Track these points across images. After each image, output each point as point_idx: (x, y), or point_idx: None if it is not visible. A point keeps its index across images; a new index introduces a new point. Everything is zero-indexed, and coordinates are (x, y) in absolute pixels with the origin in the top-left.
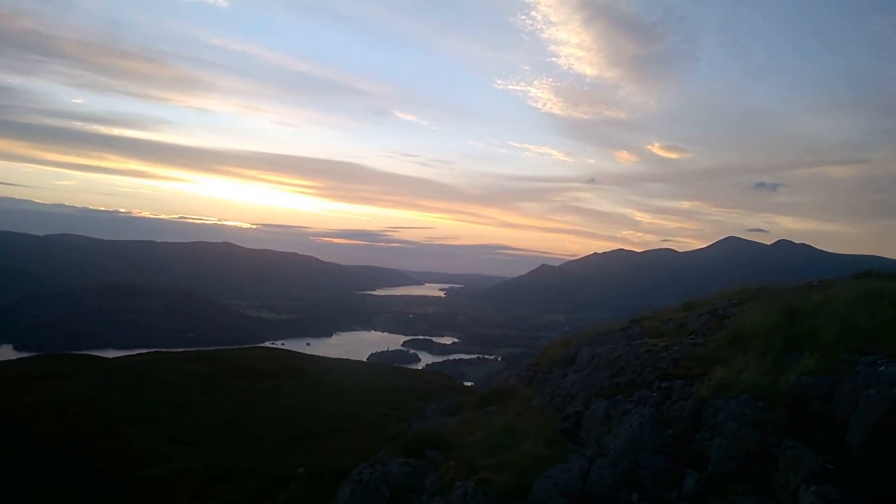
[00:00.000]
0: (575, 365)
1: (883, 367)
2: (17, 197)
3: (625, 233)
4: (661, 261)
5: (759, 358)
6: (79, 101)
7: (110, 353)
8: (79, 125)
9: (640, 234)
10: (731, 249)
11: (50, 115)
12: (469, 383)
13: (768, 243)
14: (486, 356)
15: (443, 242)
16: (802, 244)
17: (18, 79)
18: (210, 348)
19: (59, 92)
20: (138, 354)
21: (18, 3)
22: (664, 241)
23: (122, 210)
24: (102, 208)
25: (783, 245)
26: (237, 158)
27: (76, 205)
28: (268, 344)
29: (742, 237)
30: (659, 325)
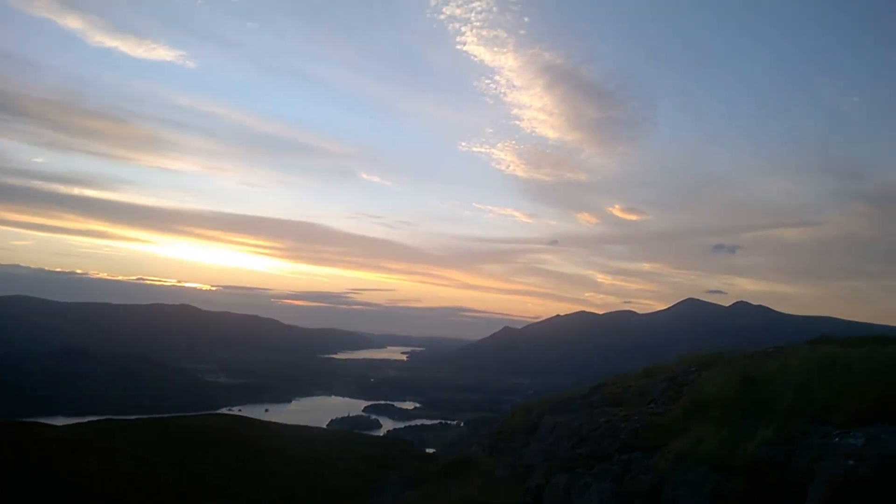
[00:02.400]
0: (537, 433)
1: (837, 439)
2: None
3: (586, 294)
4: (622, 323)
5: (718, 428)
6: (39, 159)
7: (59, 421)
8: (38, 184)
9: (602, 296)
10: (691, 311)
11: (8, 174)
12: (431, 450)
13: (726, 305)
14: (449, 421)
15: (405, 304)
16: (760, 305)
17: None
18: (164, 415)
19: (20, 150)
20: (89, 422)
21: None
22: (625, 302)
23: (79, 271)
24: (59, 269)
25: (741, 306)
26: (199, 218)
27: (31, 265)
28: (224, 410)
29: (701, 298)
30: (619, 392)
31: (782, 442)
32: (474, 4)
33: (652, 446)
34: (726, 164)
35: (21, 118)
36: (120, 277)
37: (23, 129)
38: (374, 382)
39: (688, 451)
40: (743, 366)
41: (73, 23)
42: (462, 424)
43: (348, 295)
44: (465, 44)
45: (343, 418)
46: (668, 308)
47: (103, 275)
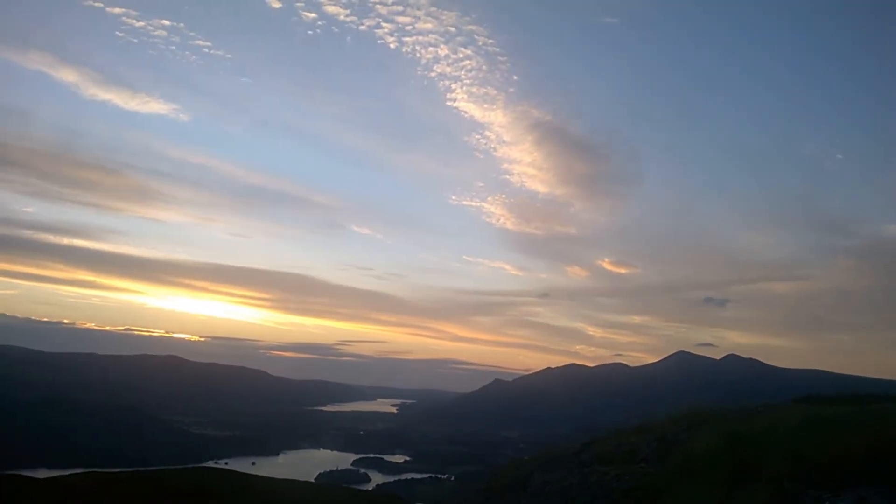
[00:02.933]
0: (527, 491)
1: (828, 503)
2: None
3: (577, 347)
4: (613, 375)
5: (708, 489)
6: (29, 209)
7: (43, 472)
8: (27, 233)
9: (593, 349)
10: (682, 364)
11: None
12: None
13: (717, 357)
14: (439, 475)
15: (395, 356)
16: (750, 358)
17: None
18: (149, 468)
19: (9, 200)
20: (72, 474)
21: None
22: (616, 355)
23: (67, 321)
24: (45, 319)
25: (732, 359)
26: (188, 269)
27: (17, 315)
28: (211, 463)
29: (692, 351)
30: (611, 450)
31: (769, 502)
32: (464, 63)
33: None
34: (714, 218)
35: (12, 168)
36: (108, 328)
37: (13, 179)
38: (364, 435)
39: None
40: (732, 425)
41: (67, 76)
42: (452, 479)
43: (338, 346)
44: (455, 100)
45: (331, 472)
46: (660, 361)
47: (91, 325)
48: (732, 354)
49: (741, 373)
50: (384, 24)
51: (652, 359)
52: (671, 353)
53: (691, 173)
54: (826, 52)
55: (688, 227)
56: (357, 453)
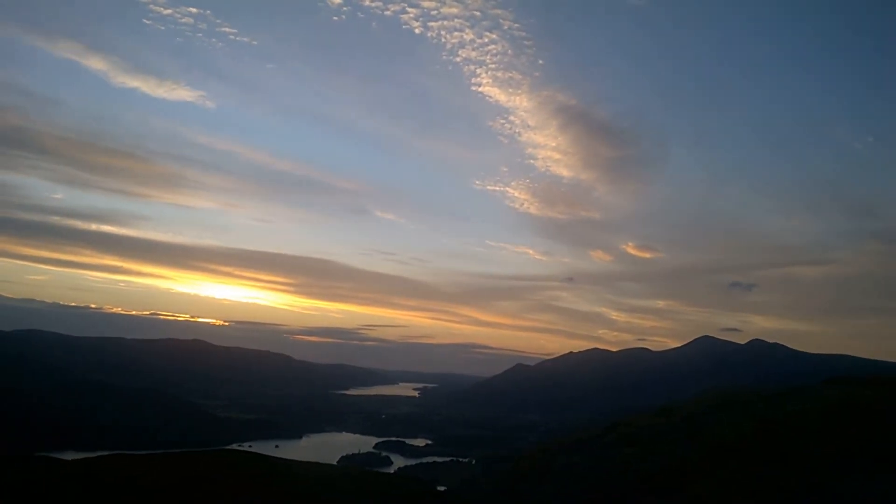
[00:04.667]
0: (551, 474)
1: (858, 485)
2: None
3: (600, 332)
4: (637, 360)
5: (734, 472)
6: (58, 196)
7: (71, 454)
8: (55, 220)
9: (616, 333)
10: (706, 348)
11: (27, 210)
12: (442, 488)
13: (742, 342)
14: (461, 459)
15: (418, 341)
16: (776, 343)
17: None
18: (174, 450)
19: (39, 187)
20: (99, 456)
21: (4, 100)
22: (639, 339)
23: (94, 306)
24: (74, 304)
25: (757, 344)
26: (213, 254)
27: (46, 300)
28: (235, 446)
29: (716, 336)
30: (635, 432)
31: (803, 489)
32: (489, 48)
33: (668, 490)
34: (740, 202)
35: (41, 156)
36: (134, 312)
37: (43, 166)
38: (386, 419)
39: (706, 496)
40: (761, 408)
41: (96, 64)
42: (474, 462)
43: (361, 331)
44: (480, 85)
45: (354, 455)
46: (684, 345)
47: (118, 309)
48: (758, 339)
49: (767, 357)
50: (409, 9)
51: (676, 343)
52: (695, 337)
53: (718, 157)
54: (857, 34)
55: (714, 212)
56: (379, 437)
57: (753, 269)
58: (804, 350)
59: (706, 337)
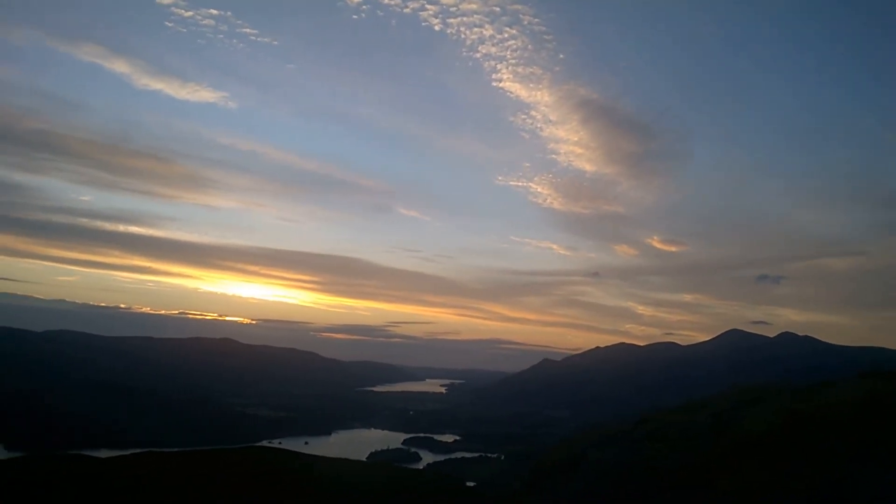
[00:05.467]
0: (579, 469)
1: (891, 482)
2: (18, 293)
3: (627, 326)
4: (664, 354)
5: (763, 467)
6: (86, 198)
7: (103, 453)
8: (84, 221)
9: (643, 328)
10: (735, 342)
11: (55, 212)
12: (471, 483)
13: (771, 335)
14: (489, 454)
15: (444, 337)
16: (806, 336)
17: (26, 177)
18: (205, 448)
19: (67, 189)
20: (132, 454)
21: (30, 104)
22: (666, 334)
23: (123, 306)
24: (103, 304)
25: (786, 337)
26: (239, 254)
27: (77, 301)
28: (265, 443)
29: (745, 329)
30: (663, 427)
31: (834, 484)
32: (509, 43)
33: (697, 485)
34: (767, 194)
35: (68, 158)
36: (162, 312)
37: (70, 168)
38: (413, 415)
39: (735, 491)
40: (791, 402)
41: (120, 67)
42: (503, 458)
43: (387, 328)
44: (500, 81)
45: (383, 451)
46: (712, 339)
47: (146, 309)
48: (787, 332)
49: (797, 350)
50: (428, 7)
51: (704, 337)
52: (723, 331)
53: (743, 149)
54: (883, 24)
55: (740, 204)
56: (407, 433)
57: (781, 261)
58: (836, 342)
59: (735, 330)
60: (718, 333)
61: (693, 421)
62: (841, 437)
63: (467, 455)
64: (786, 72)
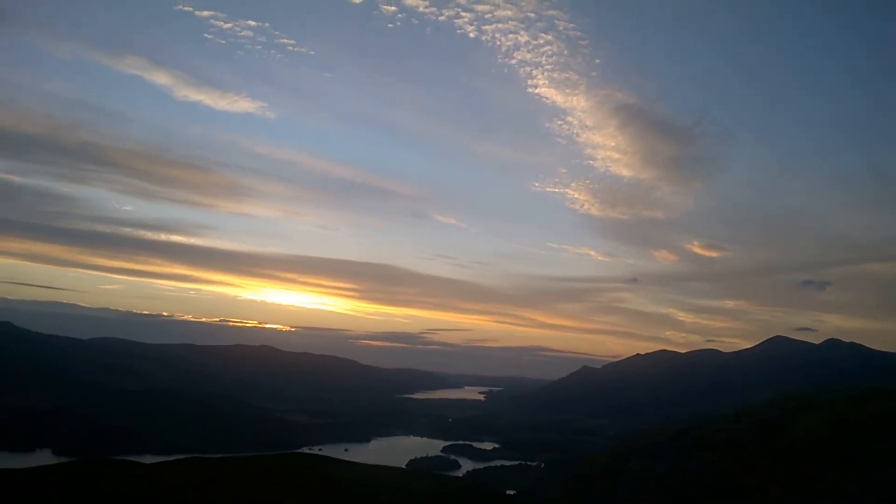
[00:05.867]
0: (622, 478)
1: None
2: (64, 301)
3: (667, 333)
4: (706, 361)
5: (813, 477)
6: (128, 208)
7: (148, 459)
8: (126, 231)
9: (684, 335)
10: (779, 349)
11: (99, 222)
12: (511, 492)
13: (817, 342)
14: (529, 462)
15: (482, 344)
16: (852, 342)
17: (72, 187)
18: (246, 454)
19: (110, 199)
20: (175, 460)
21: (77, 117)
22: (708, 341)
23: (165, 313)
24: (146, 312)
25: (832, 344)
26: (278, 262)
27: (120, 308)
28: (305, 449)
29: (789, 336)
30: (708, 436)
31: (886, 490)
32: (545, 48)
33: (745, 494)
34: (811, 197)
35: (111, 169)
36: (203, 319)
37: (113, 179)
38: (452, 422)
39: (784, 500)
40: (842, 409)
41: (160, 79)
42: (542, 466)
43: (425, 335)
44: (536, 86)
45: (422, 458)
46: (755, 346)
47: (188, 317)
48: (833, 339)
49: (843, 357)
50: (463, 14)
51: (747, 344)
52: (767, 338)
53: (785, 152)
54: None
55: (783, 208)
56: (446, 440)
57: (826, 266)
58: (884, 349)
59: (779, 337)
60: (762, 340)
61: (740, 428)
62: (893, 443)
63: (506, 463)
64: (827, 71)
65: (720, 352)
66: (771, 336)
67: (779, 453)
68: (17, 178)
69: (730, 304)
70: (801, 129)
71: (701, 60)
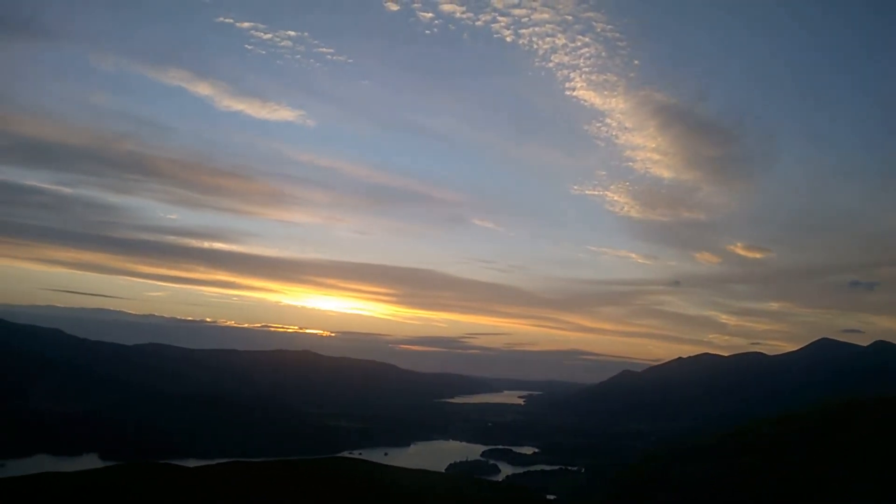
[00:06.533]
0: (666, 483)
1: None
2: (111, 308)
3: (710, 336)
4: (751, 365)
5: (867, 483)
6: (173, 216)
7: (192, 462)
8: (171, 239)
9: (727, 338)
10: (825, 351)
11: (145, 231)
12: (552, 496)
13: (864, 344)
14: (569, 467)
15: (521, 348)
16: None
17: (118, 197)
18: (289, 458)
19: (155, 208)
20: (218, 464)
21: (123, 128)
22: (753, 343)
23: (209, 319)
24: (190, 318)
25: (881, 346)
26: (318, 268)
27: (165, 315)
28: (345, 453)
29: (836, 338)
30: (755, 441)
31: None
32: (583, 51)
33: (793, 501)
34: (858, 196)
35: (156, 179)
36: (246, 325)
37: (158, 188)
38: (492, 427)
39: None
40: (890, 414)
41: (203, 90)
42: (582, 471)
43: (464, 339)
44: (574, 89)
45: (462, 463)
46: (801, 349)
47: (231, 323)
48: (882, 341)
49: (892, 360)
50: (500, 18)
51: (792, 347)
52: (813, 340)
53: (830, 150)
54: None
55: (828, 207)
56: (486, 444)
57: (875, 266)
58: None
59: (825, 339)
60: (808, 343)
61: (788, 433)
62: None
63: (546, 468)
64: (872, 68)
65: (765, 354)
66: (817, 338)
67: (826, 458)
68: (65, 189)
69: (774, 305)
70: (845, 128)
71: (743, 59)
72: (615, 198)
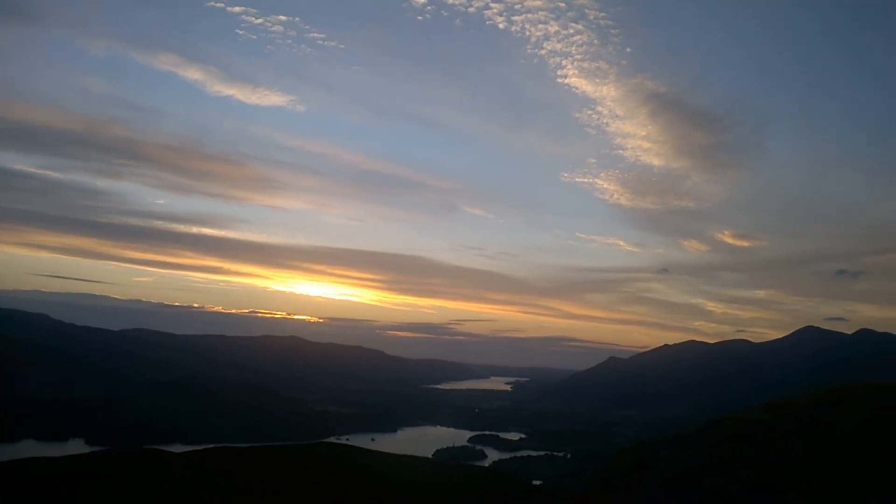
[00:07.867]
0: (653, 470)
1: None
2: (98, 293)
3: (696, 323)
4: (736, 352)
5: (853, 471)
6: (161, 201)
7: (178, 448)
8: (159, 224)
9: (713, 325)
10: (810, 339)
11: (132, 216)
12: (538, 482)
13: (849, 332)
14: (556, 453)
15: (508, 335)
16: (886, 332)
17: (107, 182)
18: (275, 443)
19: (144, 193)
20: (204, 449)
21: (112, 113)
22: (738, 331)
23: (196, 305)
24: (177, 304)
25: (865, 334)
26: (307, 253)
27: (152, 300)
28: (332, 439)
29: (821, 326)
30: (742, 428)
31: None
32: (575, 38)
33: (779, 487)
34: (846, 186)
35: (145, 164)
36: (234, 311)
37: (146, 173)
38: (479, 413)
39: (819, 493)
40: (876, 401)
41: (193, 74)
42: (569, 456)
43: (451, 326)
44: (566, 77)
45: (448, 448)
46: (786, 336)
47: (218, 308)
48: (866, 329)
49: (876, 348)
50: (493, 5)
51: (777, 334)
52: (798, 328)
53: (821, 140)
54: None
55: (817, 197)
56: (473, 430)
57: (860, 255)
58: None
59: (810, 327)
60: (793, 330)
61: (774, 421)
62: None
63: (532, 453)
64: (863, 58)
65: (750, 342)
66: (802, 326)
67: (813, 445)
68: (52, 174)
69: (760, 293)
70: (836, 118)
71: (734, 47)
72: (605, 185)
